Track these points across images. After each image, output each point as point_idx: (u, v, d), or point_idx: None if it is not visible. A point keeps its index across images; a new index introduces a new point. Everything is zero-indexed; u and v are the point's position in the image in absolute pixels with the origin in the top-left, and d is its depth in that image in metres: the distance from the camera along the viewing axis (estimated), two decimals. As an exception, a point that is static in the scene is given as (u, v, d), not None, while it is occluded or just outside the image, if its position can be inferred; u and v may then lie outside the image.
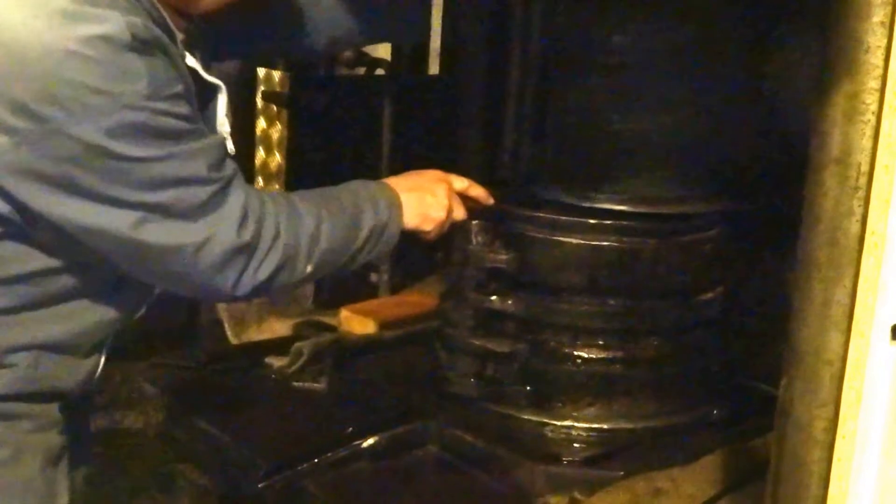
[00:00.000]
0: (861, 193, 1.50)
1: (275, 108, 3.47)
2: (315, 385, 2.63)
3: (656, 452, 2.27)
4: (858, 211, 1.51)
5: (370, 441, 2.34)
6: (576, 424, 2.37)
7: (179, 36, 1.76)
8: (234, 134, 1.88)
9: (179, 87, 1.68)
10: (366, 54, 3.39)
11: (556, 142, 2.50)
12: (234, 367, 2.75)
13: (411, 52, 3.63)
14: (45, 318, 1.75)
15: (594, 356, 2.37)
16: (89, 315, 1.81)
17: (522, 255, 2.36)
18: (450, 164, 2.31)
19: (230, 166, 1.77)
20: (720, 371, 2.53)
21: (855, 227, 1.52)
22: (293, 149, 3.44)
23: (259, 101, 3.53)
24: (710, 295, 2.46)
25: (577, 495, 2.11)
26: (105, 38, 1.57)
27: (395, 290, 3.23)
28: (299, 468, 2.25)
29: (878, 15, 1.45)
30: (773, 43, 2.49)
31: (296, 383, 2.64)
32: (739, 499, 2.04)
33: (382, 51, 3.46)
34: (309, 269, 1.85)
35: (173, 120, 1.66)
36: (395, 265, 3.25)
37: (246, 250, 1.73)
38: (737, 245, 2.48)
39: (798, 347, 1.61)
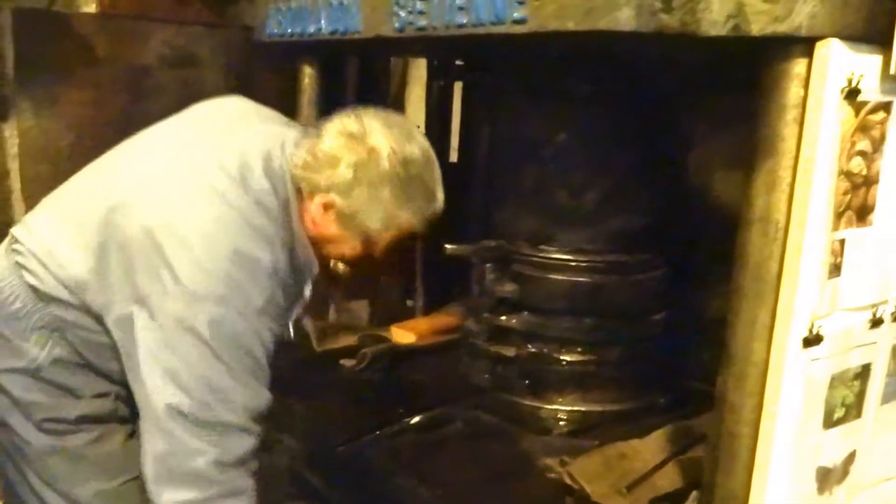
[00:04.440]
0: (779, 244, 1.45)
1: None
2: (375, 378, 2.56)
3: (620, 429, 2.20)
4: (777, 255, 1.46)
5: (415, 419, 2.27)
6: (561, 408, 2.29)
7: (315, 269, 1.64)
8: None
9: (273, 326, 1.52)
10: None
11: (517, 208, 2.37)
12: (318, 366, 2.69)
13: (437, 146, 3.41)
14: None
15: (574, 359, 2.29)
16: None
17: (522, 287, 2.30)
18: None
19: (255, 428, 1.54)
20: (665, 371, 2.43)
21: (774, 267, 1.47)
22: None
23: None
24: (656, 317, 2.37)
25: (565, 458, 2.04)
26: (256, 260, 1.48)
27: (426, 312, 3.14)
28: (365, 438, 2.19)
29: (791, 114, 1.42)
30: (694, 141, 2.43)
31: (362, 378, 2.57)
32: (684, 463, 1.96)
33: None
34: None
35: (257, 340, 1.48)
36: (427, 295, 3.16)
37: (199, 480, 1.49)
38: (675, 281, 2.38)
39: (732, 353, 1.54)
